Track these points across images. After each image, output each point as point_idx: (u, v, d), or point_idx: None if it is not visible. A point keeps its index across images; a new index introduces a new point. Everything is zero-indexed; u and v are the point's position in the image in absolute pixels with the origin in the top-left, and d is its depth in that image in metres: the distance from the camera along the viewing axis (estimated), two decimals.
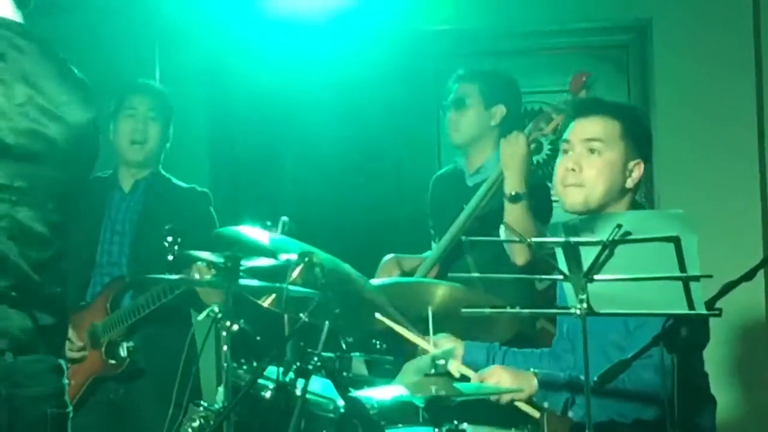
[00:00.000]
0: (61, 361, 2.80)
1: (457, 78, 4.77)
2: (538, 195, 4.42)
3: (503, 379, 3.41)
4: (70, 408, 2.81)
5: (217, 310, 3.64)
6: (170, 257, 4.18)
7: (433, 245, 4.85)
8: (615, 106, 3.59)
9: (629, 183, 3.48)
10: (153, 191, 4.67)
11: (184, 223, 4.31)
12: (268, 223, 3.80)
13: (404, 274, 4.69)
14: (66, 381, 2.81)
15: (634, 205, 3.53)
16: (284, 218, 3.77)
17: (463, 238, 4.27)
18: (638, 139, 3.51)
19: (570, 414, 3.34)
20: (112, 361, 4.52)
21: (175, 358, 4.17)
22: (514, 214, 4.22)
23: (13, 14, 2.77)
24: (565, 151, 3.53)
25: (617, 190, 3.47)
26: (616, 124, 3.50)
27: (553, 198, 4.56)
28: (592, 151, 3.47)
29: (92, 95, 2.83)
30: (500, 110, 4.67)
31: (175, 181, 4.73)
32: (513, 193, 4.30)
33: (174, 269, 4.31)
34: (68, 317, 2.97)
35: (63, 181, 2.77)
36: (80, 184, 2.88)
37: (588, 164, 3.47)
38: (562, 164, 3.52)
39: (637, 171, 3.48)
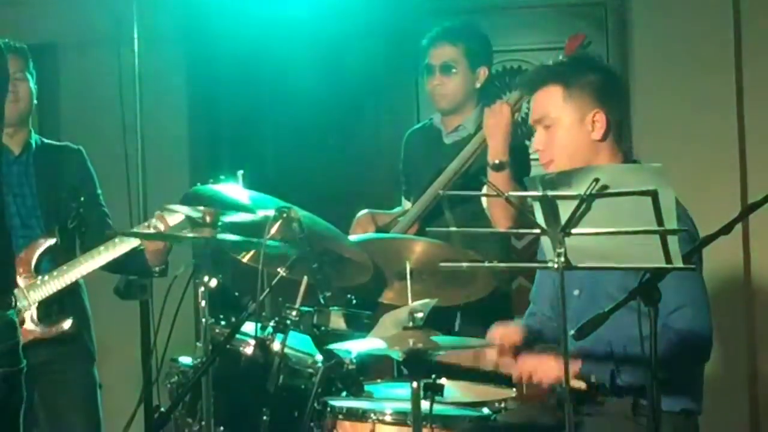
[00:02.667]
0: (11, 315, 2.68)
1: (433, 39, 4.68)
2: (518, 157, 4.40)
3: (548, 371, 3.40)
4: (24, 363, 2.71)
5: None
6: (73, 221, 4.16)
7: (404, 201, 4.85)
8: (555, 69, 3.56)
9: (596, 135, 3.44)
10: (40, 151, 4.46)
11: (74, 181, 4.27)
12: (222, 177, 3.78)
13: (379, 229, 4.68)
14: (19, 336, 2.70)
15: (626, 157, 3.52)
16: (240, 172, 3.76)
17: (441, 192, 4.28)
18: (585, 91, 3.46)
19: (618, 382, 3.33)
20: (49, 324, 4.25)
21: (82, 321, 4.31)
22: (497, 182, 4.20)
23: None
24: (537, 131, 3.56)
25: (586, 149, 3.46)
26: (557, 89, 3.47)
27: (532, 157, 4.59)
28: (546, 127, 3.49)
29: None
30: (484, 72, 4.65)
31: (46, 140, 4.57)
32: (496, 162, 4.31)
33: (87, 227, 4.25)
34: (11, 264, 2.85)
35: None
36: None
37: (548, 141, 3.49)
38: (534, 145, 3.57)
39: (600, 120, 3.44)
